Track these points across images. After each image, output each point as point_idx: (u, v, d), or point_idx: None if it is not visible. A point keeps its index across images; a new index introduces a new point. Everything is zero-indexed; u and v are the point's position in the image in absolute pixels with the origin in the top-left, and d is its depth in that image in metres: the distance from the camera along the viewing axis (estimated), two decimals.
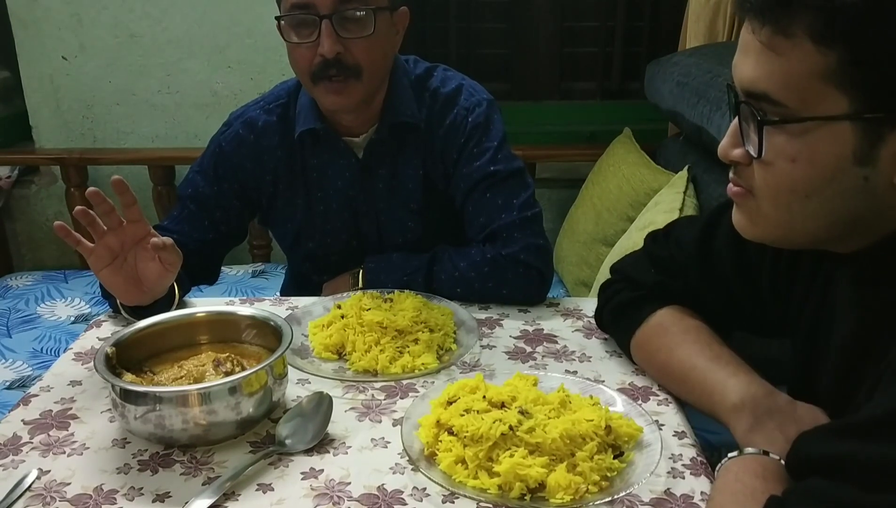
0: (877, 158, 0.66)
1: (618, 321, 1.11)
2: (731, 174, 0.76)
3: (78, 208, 1.07)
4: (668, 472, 0.87)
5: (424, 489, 0.85)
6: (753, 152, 0.71)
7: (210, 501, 0.82)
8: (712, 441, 1.01)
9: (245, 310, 1.07)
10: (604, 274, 1.25)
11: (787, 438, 0.76)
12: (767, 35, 0.68)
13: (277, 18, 1.25)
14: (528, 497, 0.82)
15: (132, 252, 1.12)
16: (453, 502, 0.83)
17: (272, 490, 0.85)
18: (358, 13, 1.22)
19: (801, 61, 0.66)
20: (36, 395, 1.05)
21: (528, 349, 1.15)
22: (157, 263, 1.12)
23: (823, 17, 0.64)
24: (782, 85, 0.67)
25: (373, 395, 1.03)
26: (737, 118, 0.74)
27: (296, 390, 1.04)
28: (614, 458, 0.86)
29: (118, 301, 1.18)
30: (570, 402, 0.92)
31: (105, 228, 1.08)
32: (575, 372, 1.08)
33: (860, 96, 0.65)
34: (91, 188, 1.07)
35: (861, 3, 0.63)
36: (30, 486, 0.86)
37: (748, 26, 0.70)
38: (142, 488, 0.86)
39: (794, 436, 0.77)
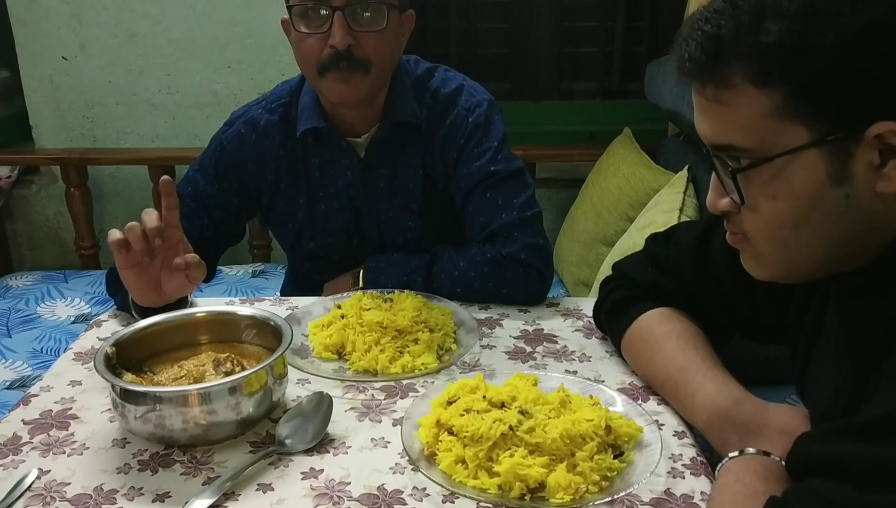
0: (851, 174, 0.66)
1: (611, 322, 1.12)
2: (725, 223, 0.78)
3: (139, 227, 1.09)
4: (668, 472, 0.87)
5: (424, 489, 0.85)
6: (737, 199, 0.73)
7: (210, 501, 0.82)
8: None
9: (245, 310, 1.07)
10: (604, 274, 1.25)
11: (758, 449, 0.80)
12: (712, 91, 0.70)
13: (288, 7, 1.25)
14: (528, 497, 0.82)
15: (160, 257, 1.11)
16: (453, 502, 0.83)
17: (272, 490, 0.85)
18: (371, 7, 1.22)
19: (749, 107, 0.68)
20: (36, 395, 1.05)
21: (528, 349, 1.15)
22: (183, 277, 1.11)
23: (755, 62, 0.66)
24: (741, 133, 0.69)
25: (373, 395, 1.03)
26: (713, 171, 0.76)
27: (296, 390, 1.04)
28: (614, 458, 0.86)
29: (130, 299, 1.17)
30: (570, 402, 0.92)
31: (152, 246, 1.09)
32: (575, 372, 1.08)
33: (815, 123, 0.66)
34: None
35: (787, 41, 0.64)
36: (30, 486, 0.86)
37: (695, 87, 0.73)
38: (142, 488, 0.86)
39: (769, 444, 0.80)
